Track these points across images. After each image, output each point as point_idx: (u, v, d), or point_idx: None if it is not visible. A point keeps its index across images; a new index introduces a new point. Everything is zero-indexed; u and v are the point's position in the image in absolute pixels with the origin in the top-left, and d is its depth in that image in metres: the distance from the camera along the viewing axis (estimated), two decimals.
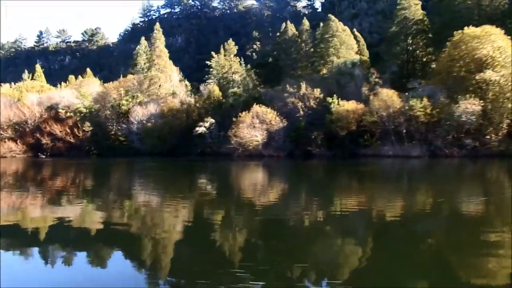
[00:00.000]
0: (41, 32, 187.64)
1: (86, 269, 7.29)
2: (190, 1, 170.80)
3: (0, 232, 10.02)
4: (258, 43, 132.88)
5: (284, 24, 61.34)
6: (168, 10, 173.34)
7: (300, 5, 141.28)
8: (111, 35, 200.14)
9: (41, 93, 61.39)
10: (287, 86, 41.41)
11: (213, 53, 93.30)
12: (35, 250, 8.56)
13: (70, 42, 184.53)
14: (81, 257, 8.16)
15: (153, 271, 7.13)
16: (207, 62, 78.86)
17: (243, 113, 39.52)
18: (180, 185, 21.96)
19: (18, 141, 50.36)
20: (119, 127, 52.15)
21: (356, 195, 16.44)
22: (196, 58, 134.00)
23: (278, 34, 59.52)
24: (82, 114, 51.75)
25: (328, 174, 30.02)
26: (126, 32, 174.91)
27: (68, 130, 50.63)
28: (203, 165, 38.36)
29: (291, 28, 58.42)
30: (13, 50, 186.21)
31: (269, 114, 38.54)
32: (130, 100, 52.19)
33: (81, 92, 53.29)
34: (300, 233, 9.73)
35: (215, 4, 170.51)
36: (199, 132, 42.89)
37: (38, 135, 50.64)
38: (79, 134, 50.52)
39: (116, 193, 18.04)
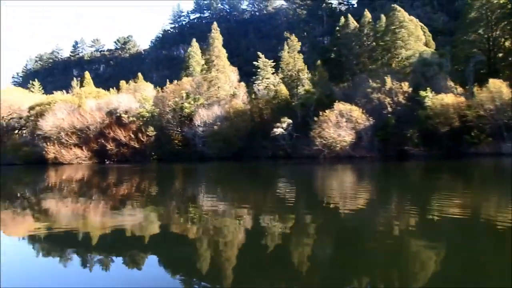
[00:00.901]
0: (76, 42, 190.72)
1: (125, 275, 6.96)
2: (219, 5, 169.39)
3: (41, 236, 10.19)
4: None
5: (342, 18, 57.65)
6: (198, 15, 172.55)
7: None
8: (142, 42, 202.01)
9: (98, 99, 59.93)
10: (369, 81, 37.70)
11: (259, 53, 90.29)
12: (83, 255, 8.43)
13: (103, 50, 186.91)
14: (125, 263, 7.81)
15: (207, 280, 6.60)
16: (254, 62, 76.19)
17: (327, 111, 36.09)
18: (254, 190, 19.79)
19: (83, 147, 48.77)
20: (182, 131, 49.77)
21: (461, 200, 13.59)
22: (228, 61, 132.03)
23: (337, 28, 55.91)
24: (144, 119, 49.66)
25: (430, 176, 26.13)
26: (158, 39, 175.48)
27: (132, 135, 48.62)
28: (281, 168, 35.22)
29: (353, 22, 54.66)
30: (51, 60, 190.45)
31: (355, 112, 34.93)
32: (192, 102, 49.69)
33: (143, 96, 51.20)
34: (382, 244, 8.23)
35: (244, 6, 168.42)
36: (277, 133, 39.73)
37: (102, 141, 48.87)
38: (143, 139, 48.40)
39: (181, 200, 16.67)
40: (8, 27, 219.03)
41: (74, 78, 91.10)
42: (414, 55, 49.93)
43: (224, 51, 54.20)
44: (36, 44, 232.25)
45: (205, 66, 54.17)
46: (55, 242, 9.63)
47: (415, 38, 51.04)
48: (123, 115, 50.20)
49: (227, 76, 53.16)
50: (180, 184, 25.15)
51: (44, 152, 49.35)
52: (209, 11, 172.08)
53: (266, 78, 72.61)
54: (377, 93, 36.18)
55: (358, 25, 54.98)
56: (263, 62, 79.04)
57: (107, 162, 47.67)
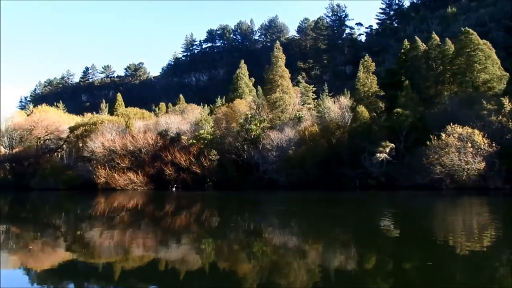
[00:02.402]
0: (87, 68, 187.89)
1: None
2: (232, 35, 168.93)
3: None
4: (303, 73, 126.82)
5: (406, 41, 53.95)
6: (210, 44, 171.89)
7: (355, 31, 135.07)
8: (152, 69, 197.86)
9: (143, 120, 54.27)
10: (484, 102, 33.01)
11: (299, 78, 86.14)
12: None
13: (113, 77, 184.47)
14: None
15: None
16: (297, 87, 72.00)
17: (443, 135, 30.96)
18: (340, 224, 16.48)
19: (139, 172, 42.40)
20: (246, 155, 43.98)
21: None
22: None
23: (402, 51, 52.11)
24: (206, 141, 43.88)
25: None
26: (169, 66, 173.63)
27: (193, 159, 42.63)
28: (381, 199, 29.73)
29: (422, 44, 50.94)
30: (61, 85, 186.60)
31: (477, 136, 29.89)
32: (258, 124, 44.28)
33: (203, 116, 45.50)
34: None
35: (256, 37, 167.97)
36: (380, 159, 34.30)
37: (160, 165, 42.62)
38: (206, 164, 42.42)
39: (244, 233, 14.44)
40: (18, 51, 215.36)
41: (104, 100, 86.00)
42: (493, 78, 46.01)
43: (287, 71, 49.48)
44: (46, 69, 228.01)
45: (268, 86, 49.14)
46: (78, 276, 8.49)
47: (492, 62, 47.31)
48: (182, 137, 44.31)
49: (291, 97, 48.24)
50: (246, 214, 21.66)
51: (93, 176, 42.89)
52: (221, 41, 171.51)
53: (308, 103, 68.15)
54: (496, 116, 31.39)
55: (426, 48, 51.09)
56: (305, 87, 74.83)
57: (173, 189, 41.32)
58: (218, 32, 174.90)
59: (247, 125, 43.74)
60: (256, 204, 29.10)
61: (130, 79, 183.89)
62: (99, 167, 42.47)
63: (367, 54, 49.09)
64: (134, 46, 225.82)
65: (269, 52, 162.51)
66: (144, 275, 8.37)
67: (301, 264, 8.77)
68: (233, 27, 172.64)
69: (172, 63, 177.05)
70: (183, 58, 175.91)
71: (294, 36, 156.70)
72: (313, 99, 73.86)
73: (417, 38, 53.52)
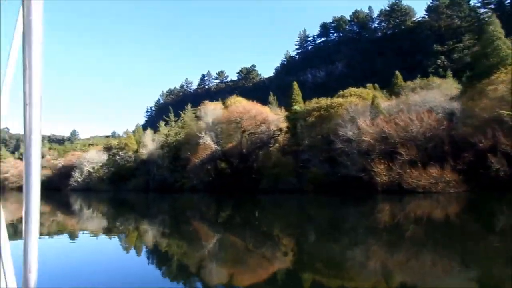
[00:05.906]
0: (203, 76, 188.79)
1: None
2: (347, 27, 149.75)
3: None
4: (442, 57, 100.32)
5: None
6: (324, 38, 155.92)
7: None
8: (264, 71, 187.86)
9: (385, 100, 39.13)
10: None
11: (439, 62, 63.91)
12: None
13: (227, 82, 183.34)
14: None
15: None
16: None
17: None
18: None
19: (444, 166, 26.98)
20: None
21: None
22: (364, 82, 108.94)
23: None
24: None
25: None
26: (283, 66, 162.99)
27: None
28: None
29: None
30: (181, 94, 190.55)
31: None
32: None
33: None
34: None
35: (375, 24, 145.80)
36: None
37: (473, 156, 26.68)
38: None
39: None
40: (146, 67, 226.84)
41: (271, 93, 74.95)
42: None
43: None
44: (167, 80, 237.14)
45: None
46: None
47: None
48: (504, 112, 27.57)
49: None
50: None
51: (362, 174, 28.70)
52: (336, 33, 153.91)
53: None
54: None
55: None
56: None
57: None
58: (333, 24, 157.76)
59: None
60: None
61: (243, 82, 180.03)
62: (375, 161, 27.96)
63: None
64: (245, 49, 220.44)
65: (394, 40, 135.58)
66: None
67: None
68: (348, 18, 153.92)
69: (285, 62, 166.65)
70: (297, 56, 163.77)
71: (423, 17, 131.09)
72: None
73: None
